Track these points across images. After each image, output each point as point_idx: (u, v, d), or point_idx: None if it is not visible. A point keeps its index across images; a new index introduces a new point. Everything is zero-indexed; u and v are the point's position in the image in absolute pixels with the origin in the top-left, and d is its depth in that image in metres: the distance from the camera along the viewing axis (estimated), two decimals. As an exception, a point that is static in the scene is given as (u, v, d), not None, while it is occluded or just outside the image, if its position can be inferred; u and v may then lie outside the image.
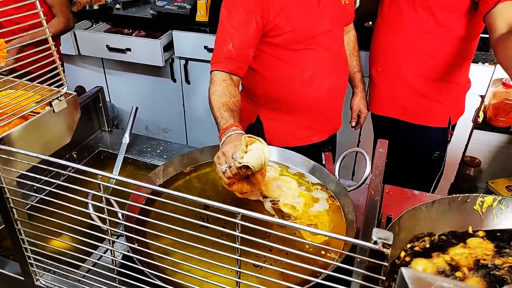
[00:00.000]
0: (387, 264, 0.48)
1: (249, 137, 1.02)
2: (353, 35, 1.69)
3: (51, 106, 0.83)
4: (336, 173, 1.21)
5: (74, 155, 1.47)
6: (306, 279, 0.62)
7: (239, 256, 0.57)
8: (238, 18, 1.30)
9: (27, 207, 0.75)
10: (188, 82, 2.69)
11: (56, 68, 0.83)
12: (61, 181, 0.85)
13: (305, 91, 1.45)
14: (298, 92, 1.45)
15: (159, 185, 1.22)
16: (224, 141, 1.09)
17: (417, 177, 1.82)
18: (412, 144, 1.77)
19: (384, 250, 0.47)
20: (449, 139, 1.75)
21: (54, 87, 0.85)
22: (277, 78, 1.44)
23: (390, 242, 0.48)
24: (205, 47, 2.46)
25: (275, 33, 1.36)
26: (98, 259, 0.87)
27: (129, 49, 2.58)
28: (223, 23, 1.33)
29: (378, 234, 0.48)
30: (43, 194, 0.83)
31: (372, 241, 0.48)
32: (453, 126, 1.75)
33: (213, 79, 1.28)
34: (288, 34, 1.35)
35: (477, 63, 2.07)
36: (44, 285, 0.82)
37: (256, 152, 0.97)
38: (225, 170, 1.02)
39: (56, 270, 0.81)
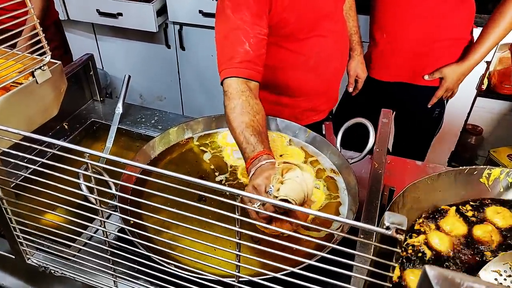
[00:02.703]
0: (400, 250, 0.44)
1: (284, 163, 0.82)
2: None
3: (33, 76, 0.77)
4: (338, 145, 1.16)
5: (66, 126, 1.42)
6: (305, 256, 0.58)
7: (239, 239, 0.54)
8: (250, 12, 1.08)
9: (13, 185, 0.71)
10: (183, 48, 2.59)
11: (37, 34, 0.76)
12: (49, 157, 0.80)
13: (309, 78, 1.37)
14: (302, 79, 1.37)
15: (154, 158, 1.18)
16: (253, 173, 0.89)
17: (416, 138, 1.85)
18: (416, 105, 1.76)
19: (398, 236, 0.43)
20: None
21: (37, 55, 0.79)
22: (280, 65, 1.33)
23: (404, 228, 0.44)
24: (201, 12, 2.35)
25: (281, 26, 1.23)
26: (89, 239, 0.84)
27: (120, 14, 2.47)
28: (230, 19, 1.09)
29: (391, 218, 0.44)
30: (28, 172, 0.79)
31: (385, 227, 0.44)
32: None
33: (228, 91, 1.04)
34: (293, 25, 1.24)
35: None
36: (36, 263, 0.79)
37: (296, 182, 0.77)
38: (259, 209, 0.78)
39: (47, 249, 0.78)
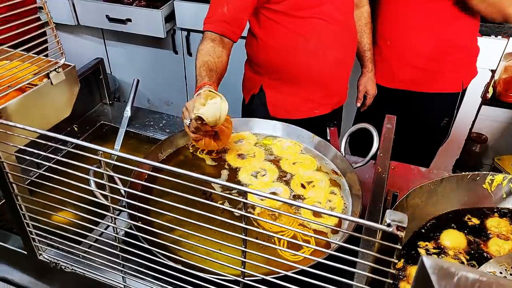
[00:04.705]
0: (400, 247, 0.46)
1: (209, 91, 1.02)
2: (366, 10, 1.62)
3: (48, 78, 0.80)
4: (342, 150, 1.18)
5: (76, 129, 1.45)
6: (312, 256, 0.60)
7: (245, 235, 0.56)
8: None
9: (27, 182, 0.73)
10: (190, 54, 2.63)
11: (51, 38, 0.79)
12: (62, 156, 0.82)
13: (309, 62, 1.41)
14: (301, 63, 1.41)
15: (162, 160, 1.20)
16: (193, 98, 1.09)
17: (423, 145, 1.85)
18: (422, 113, 1.76)
19: (398, 233, 0.45)
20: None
21: (39, 55, 0.81)
22: (280, 46, 1.39)
23: (405, 225, 0.45)
24: (208, 18, 2.39)
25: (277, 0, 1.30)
26: (100, 235, 0.86)
27: (129, 20, 2.51)
28: None
29: (392, 216, 0.46)
30: (42, 169, 0.81)
31: (386, 224, 0.46)
32: (465, 90, 1.74)
33: (203, 38, 1.27)
34: (291, 1, 1.30)
35: (490, 36, 1.99)
36: (47, 259, 0.81)
37: (213, 106, 0.98)
38: (189, 124, 1.03)
39: (59, 245, 0.80)
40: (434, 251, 0.94)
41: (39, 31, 0.76)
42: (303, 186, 1.10)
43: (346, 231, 0.51)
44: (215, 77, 1.17)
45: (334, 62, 1.44)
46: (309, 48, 1.38)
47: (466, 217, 1.01)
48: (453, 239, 0.95)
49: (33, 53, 0.79)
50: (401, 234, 0.45)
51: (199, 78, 1.16)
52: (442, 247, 0.94)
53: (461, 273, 0.31)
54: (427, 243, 0.95)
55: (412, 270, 0.89)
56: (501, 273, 0.85)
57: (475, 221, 1.00)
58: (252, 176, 1.13)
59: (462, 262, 0.91)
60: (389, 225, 0.46)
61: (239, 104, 1.65)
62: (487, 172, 1.05)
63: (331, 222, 0.98)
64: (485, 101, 2.24)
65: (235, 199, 0.56)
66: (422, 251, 0.94)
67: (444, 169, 2.37)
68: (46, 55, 0.83)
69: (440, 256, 0.93)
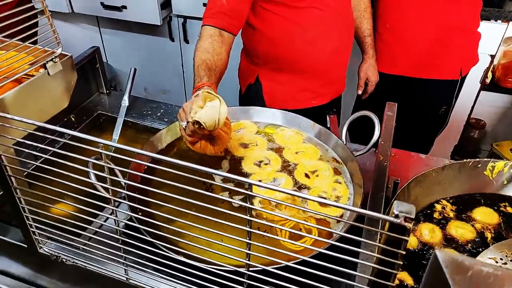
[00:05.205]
0: (408, 238, 0.45)
1: (208, 93, 0.96)
2: None
3: (45, 68, 0.78)
4: (343, 138, 1.17)
5: (73, 119, 1.43)
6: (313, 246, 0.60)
7: (250, 227, 0.55)
8: None
9: (25, 174, 0.72)
10: (187, 41, 2.59)
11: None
12: (60, 147, 0.81)
13: (307, 51, 1.39)
14: (299, 52, 1.39)
15: (161, 150, 1.19)
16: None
17: (420, 133, 1.85)
18: (421, 100, 1.76)
19: (406, 224, 0.45)
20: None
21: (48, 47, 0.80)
22: (278, 36, 1.37)
23: (413, 216, 0.45)
24: (205, 5, 2.34)
25: None
26: (99, 227, 0.85)
27: (124, 7, 2.47)
28: None
29: (400, 207, 0.45)
30: (40, 161, 0.80)
31: (393, 215, 0.45)
32: (463, 78, 1.73)
33: (201, 34, 1.23)
34: None
35: (489, 20, 1.98)
36: (48, 252, 0.81)
37: (211, 110, 0.92)
38: (185, 127, 0.97)
39: (58, 238, 0.80)
40: (451, 213, 0.95)
41: (34, 20, 0.74)
42: (307, 176, 1.09)
43: (348, 221, 0.50)
44: (214, 77, 1.13)
45: (332, 51, 1.42)
46: (307, 38, 1.36)
47: (503, 204, 1.02)
48: (485, 214, 0.97)
49: (29, 43, 0.77)
50: (409, 225, 0.45)
51: (197, 78, 1.11)
52: (467, 218, 0.96)
53: (475, 267, 0.30)
54: (447, 203, 0.96)
55: (422, 227, 0.91)
56: (501, 259, 0.86)
57: (510, 209, 1.00)
58: (255, 165, 1.12)
59: (486, 238, 0.92)
60: (397, 216, 0.45)
61: (237, 93, 1.63)
62: (488, 159, 1.05)
63: (337, 213, 0.98)
64: (484, 87, 2.23)
65: (236, 190, 0.55)
66: (438, 207, 0.97)
67: (443, 155, 2.38)
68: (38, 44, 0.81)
69: (455, 219, 0.95)
